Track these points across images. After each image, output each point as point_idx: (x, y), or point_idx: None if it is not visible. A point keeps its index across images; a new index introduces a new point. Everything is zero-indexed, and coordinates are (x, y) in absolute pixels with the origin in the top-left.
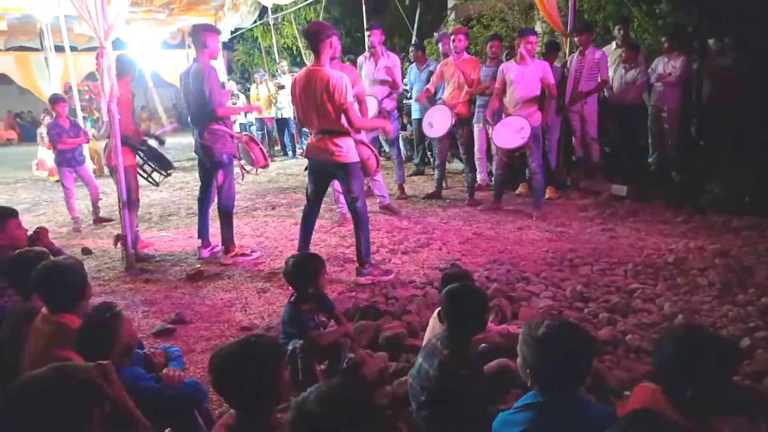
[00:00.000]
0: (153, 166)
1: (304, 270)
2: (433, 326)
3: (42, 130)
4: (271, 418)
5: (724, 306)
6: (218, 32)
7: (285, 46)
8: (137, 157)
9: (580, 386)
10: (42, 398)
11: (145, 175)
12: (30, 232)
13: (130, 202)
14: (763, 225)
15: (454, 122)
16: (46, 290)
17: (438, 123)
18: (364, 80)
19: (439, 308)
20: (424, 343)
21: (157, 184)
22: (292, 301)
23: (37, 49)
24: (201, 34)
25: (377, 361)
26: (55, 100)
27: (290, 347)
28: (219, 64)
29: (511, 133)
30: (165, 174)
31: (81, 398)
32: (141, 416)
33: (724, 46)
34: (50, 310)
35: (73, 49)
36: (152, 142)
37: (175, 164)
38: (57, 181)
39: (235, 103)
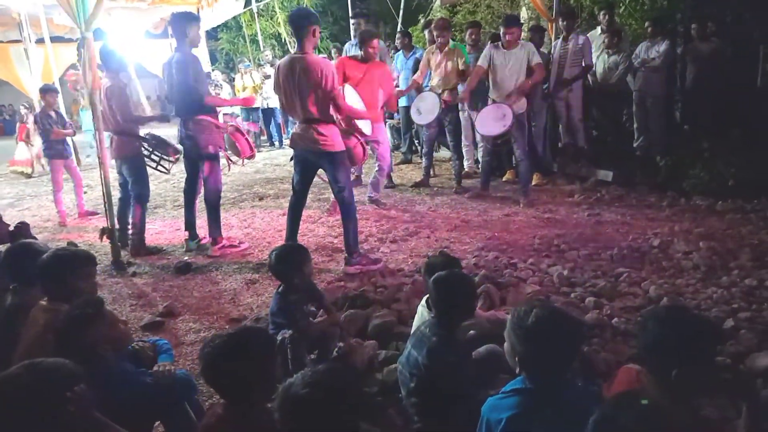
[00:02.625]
0: (159, 154)
1: (287, 262)
2: (422, 313)
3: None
4: (261, 409)
5: (708, 288)
6: (198, 20)
7: (276, 33)
8: (143, 148)
9: (568, 371)
10: (15, 396)
11: (154, 165)
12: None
13: (141, 194)
14: (747, 208)
15: (441, 108)
16: (49, 279)
17: (426, 110)
18: None
19: (428, 296)
20: (413, 330)
21: (168, 172)
22: (281, 291)
23: (16, 41)
24: (180, 23)
25: (367, 350)
26: (47, 89)
27: (280, 338)
28: (202, 53)
29: (494, 120)
30: (173, 160)
31: (54, 393)
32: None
33: (707, 31)
34: (50, 300)
35: (57, 39)
36: (158, 132)
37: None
38: (19, 172)
39: (218, 94)
